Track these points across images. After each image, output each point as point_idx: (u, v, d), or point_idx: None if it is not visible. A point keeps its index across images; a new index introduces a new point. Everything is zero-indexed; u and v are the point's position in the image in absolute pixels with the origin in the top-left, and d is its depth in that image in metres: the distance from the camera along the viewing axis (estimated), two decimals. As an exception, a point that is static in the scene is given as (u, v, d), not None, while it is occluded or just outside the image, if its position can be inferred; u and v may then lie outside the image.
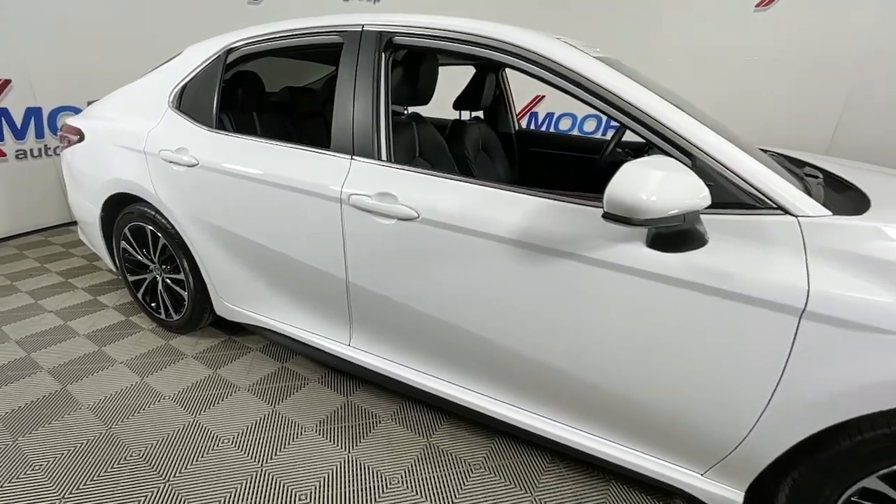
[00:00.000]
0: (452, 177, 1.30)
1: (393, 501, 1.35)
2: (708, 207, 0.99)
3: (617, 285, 1.08)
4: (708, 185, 1.01)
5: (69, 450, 1.50)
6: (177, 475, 1.42)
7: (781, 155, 1.68)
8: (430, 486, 1.41)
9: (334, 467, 1.46)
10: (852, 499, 1.01)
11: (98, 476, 1.40)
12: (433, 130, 1.92)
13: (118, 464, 1.45)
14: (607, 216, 0.93)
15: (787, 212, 0.97)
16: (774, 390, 0.99)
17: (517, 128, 2.73)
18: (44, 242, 3.26)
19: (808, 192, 1.05)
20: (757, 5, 3.88)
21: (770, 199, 0.99)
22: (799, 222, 0.96)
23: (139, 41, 3.52)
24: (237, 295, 1.88)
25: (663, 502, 1.39)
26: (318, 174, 1.47)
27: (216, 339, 2.15)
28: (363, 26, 1.48)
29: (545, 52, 1.20)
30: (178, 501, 1.33)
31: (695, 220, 0.98)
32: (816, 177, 1.32)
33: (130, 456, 1.48)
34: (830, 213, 0.96)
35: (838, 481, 1.00)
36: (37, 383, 1.81)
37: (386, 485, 1.41)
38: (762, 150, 1.71)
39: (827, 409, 0.95)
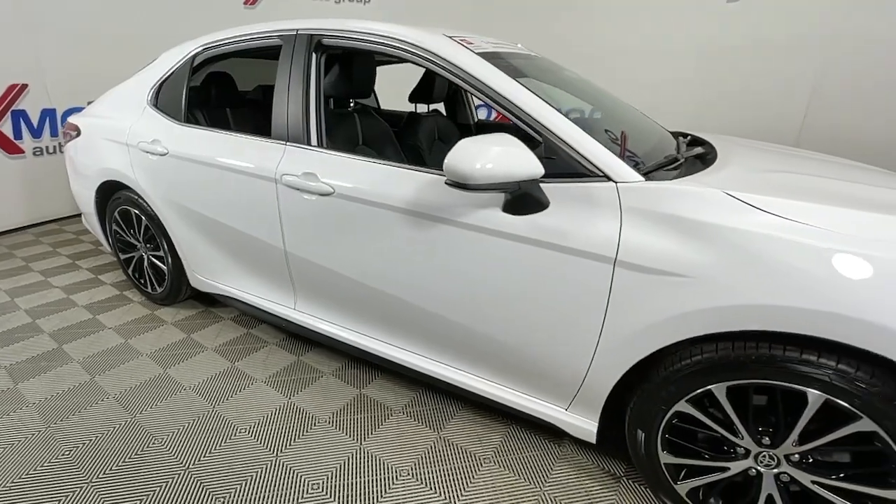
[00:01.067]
0: (362, 158, 1.52)
1: (318, 435, 1.59)
2: (552, 177, 1.20)
3: (481, 244, 1.29)
4: (552, 158, 1.22)
5: (59, 392, 1.79)
6: (143, 413, 1.68)
7: (687, 135, 1.83)
8: (351, 425, 1.64)
9: (276, 408, 1.71)
10: (673, 422, 1.19)
11: (82, 410, 1.68)
12: (378, 121, 2.15)
13: (97, 403, 1.73)
14: (448, 183, 1.13)
15: (609, 178, 1.16)
16: (602, 328, 1.18)
17: (476, 119, 2.92)
18: (58, 230, 3.62)
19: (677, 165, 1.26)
20: (729, -2, 3.96)
21: (598, 169, 1.17)
22: (617, 187, 1.15)
23: (142, 45, 3.80)
24: (206, 268, 2.15)
25: (554, 443, 1.58)
26: (260, 158, 1.71)
27: (195, 309, 2.43)
28: (297, 30, 1.71)
29: (431, 47, 1.41)
30: (143, 433, 1.59)
31: (532, 187, 1.18)
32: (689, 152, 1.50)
33: (107, 398, 1.76)
34: (643, 178, 1.15)
35: (660, 406, 1.18)
36: (38, 343, 2.11)
37: (315, 422, 1.65)
38: (679, 133, 1.88)
39: (640, 342, 1.14)
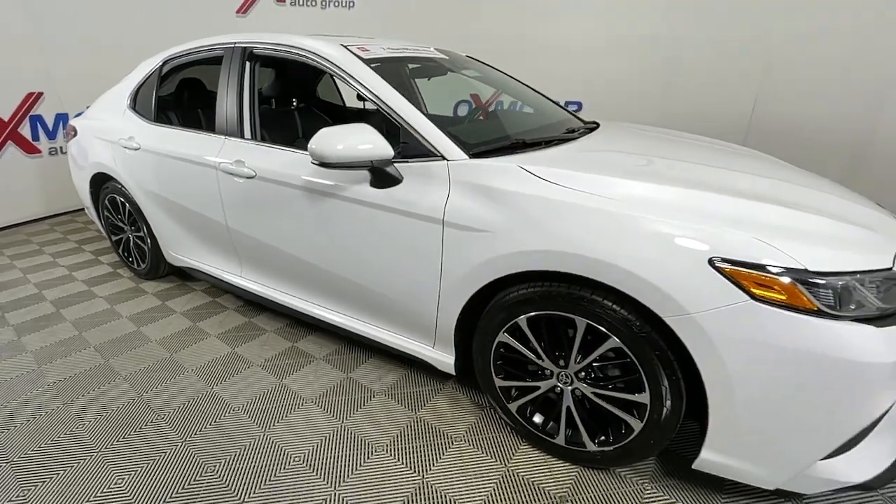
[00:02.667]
0: (277, 146, 1.86)
1: (251, 377, 1.95)
2: (409, 157, 1.51)
3: (355, 213, 1.61)
4: (406, 143, 1.53)
5: (53, 342, 2.20)
6: (114, 358, 2.08)
7: (592, 122, 2.12)
8: (278, 369, 1.99)
9: (219, 355, 2.08)
10: (500, 351, 1.49)
11: (67, 356, 2.09)
12: (319, 118, 2.50)
13: (80, 352, 2.13)
14: (314, 162, 1.46)
15: (443, 157, 1.46)
16: (441, 276, 1.49)
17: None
18: (70, 221, 4.11)
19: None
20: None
21: (436, 150, 1.48)
22: (448, 164, 1.45)
23: (143, 53, 4.26)
24: (176, 246, 2.53)
25: (440, 382, 1.89)
26: (206, 150, 2.07)
27: (173, 283, 2.83)
28: (235, 43, 2.06)
29: (325, 54, 1.74)
30: (113, 373, 1.98)
31: (385, 165, 1.49)
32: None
33: (88, 348, 2.16)
34: (468, 157, 1.45)
35: (489, 338, 1.48)
36: (41, 308, 2.54)
37: (248, 366, 2.00)
38: (591, 121, 2.15)
39: (465, 285, 1.44)
